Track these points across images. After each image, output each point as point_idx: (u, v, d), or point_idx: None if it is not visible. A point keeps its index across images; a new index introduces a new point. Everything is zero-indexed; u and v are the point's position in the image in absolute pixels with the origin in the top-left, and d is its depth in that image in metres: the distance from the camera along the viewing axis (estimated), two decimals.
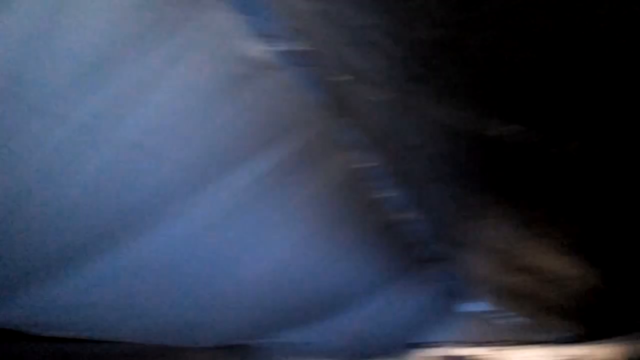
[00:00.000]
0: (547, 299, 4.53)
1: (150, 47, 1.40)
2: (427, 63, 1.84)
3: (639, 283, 3.33)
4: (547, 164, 2.28)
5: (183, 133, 1.72)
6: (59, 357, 3.18)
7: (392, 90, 2.12)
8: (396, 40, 1.66)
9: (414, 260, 3.83)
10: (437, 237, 3.92)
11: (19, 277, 2.12)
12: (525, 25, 1.39)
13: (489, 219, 3.30)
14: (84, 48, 1.24)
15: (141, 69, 1.46)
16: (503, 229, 3.36)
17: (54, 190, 1.67)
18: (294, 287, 3.46)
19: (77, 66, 1.28)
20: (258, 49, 1.60)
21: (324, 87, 1.95)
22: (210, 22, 1.48)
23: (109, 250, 2.19)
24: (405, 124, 2.43)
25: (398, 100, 2.21)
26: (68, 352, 3.24)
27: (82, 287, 2.41)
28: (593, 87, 1.62)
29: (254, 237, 2.65)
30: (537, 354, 5.78)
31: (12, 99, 1.29)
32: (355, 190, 2.72)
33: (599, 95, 1.66)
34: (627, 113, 1.70)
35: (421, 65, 1.87)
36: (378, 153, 2.57)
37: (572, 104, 1.76)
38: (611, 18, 1.24)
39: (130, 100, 1.53)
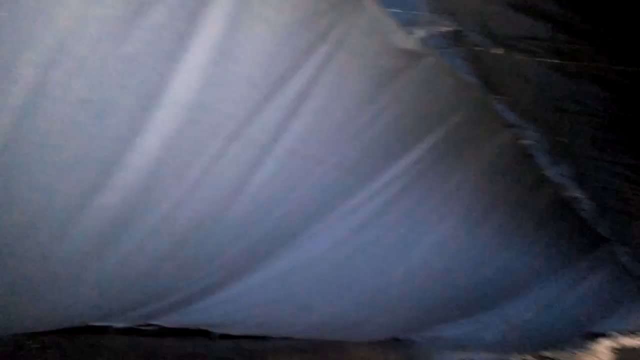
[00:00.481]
0: None
1: (306, 56, 1.43)
2: (597, 18, 1.61)
3: None
4: None
5: (340, 135, 1.74)
6: (237, 352, 3.49)
7: (551, 56, 1.90)
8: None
9: (584, 242, 3.44)
10: (607, 214, 3.48)
11: (203, 286, 2.36)
12: None
13: None
14: (254, 69, 1.31)
15: (298, 79, 1.49)
16: None
17: (229, 204, 1.80)
18: (453, 278, 3.34)
19: (248, 87, 1.35)
20: (406, 39, 1.55)
21: (475, 66, 1.82)
22: (357, 19, 1.47)
23: (276, 254, 2.32)
24: (567, 90, 2.18)
25: (558, 67, 1.98)
26: (245, 347, 3.54)
27: (254, 288, 2.60)
28: None
29: (407, 229, 2.61)
30: None
31: (194, 125, 1.40)
32: (514, 171, 2.52)
33: None
34: None
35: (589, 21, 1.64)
36: (537, 129, 2.35)
37: None
38: None
39: (290, 111, 1.57)
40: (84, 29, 1.03)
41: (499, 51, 1.95)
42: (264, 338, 3.63)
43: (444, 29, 1.74)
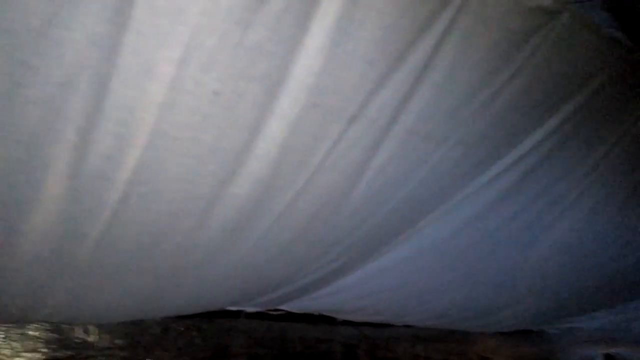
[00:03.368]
0: None
1: (426, 26, 1.35)
2: None
3: None
4: None
5: (463, 111, 1.63)
6: (360, 339, 3.51)
7: None
8: None
9: None
10: None
11: (325, 272, 2.39)
12: None
13: None
14: (372, 47, 1.27)
15: (417, 52, 1.42)
16: None
17: (351, 188, 1.78)
18: (595, 263, 3.00)
19: (366, 66, 1.31)
20: None
21: (622, 18, 1.59)
22: None
23: (397, 239, 2.27)
24: None
25: None
26: (367, 334, 3.55)
27: (375, 275, 2.58)
28: None
29: (540, 210, 2.38)
30: None
31: (315, 109, 1.39)
32: None
33: None
34: None
35: None
36: None
37: None
38: None
39: (409, 88, 1.51)
40: (213, 22, 1.07)
41: None
42: (385, 325, 3.61)
43: None
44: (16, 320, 1.92)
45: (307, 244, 2.01)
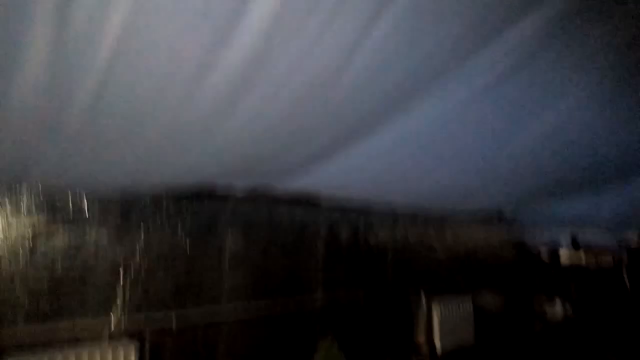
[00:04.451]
0: None
1: None
2: None
3: None
4: None
5: None
6: (344, 221, 3.69)
7: None
8: None
9: None
10: None
11: (316, 150, 2.43)
12: None
13: None
14: None
15: None
16: None
17: (347, 61, 1.73)
18: (574, 152, 3.10)
19: None
20: None
21: None
22: None
23: (392, 119, 2.27)
24: None
25: None
26: (351, 217, 3.73)
27: (365, 155, 2.63)
28: None
29: (532, 97, 2.39)
30: None
31: None
32: None
33: None
34: None
35: None
36: None
37: None
38: None
39: None
40: None
41: None
42: (368, 211, 3.78)
43: None
44: (9, 177, 1.94)
45: (299, 122, 2.00)
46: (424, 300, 4.14)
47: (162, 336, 2.55)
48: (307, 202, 3.38)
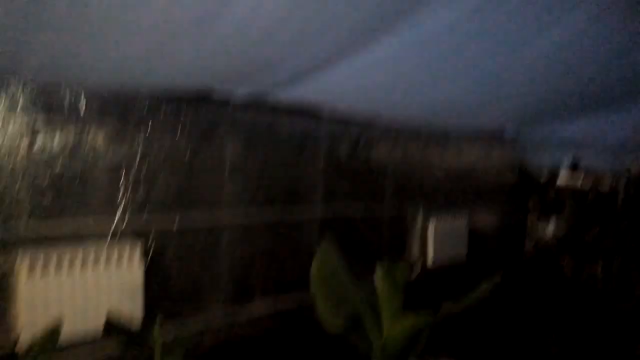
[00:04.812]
0: None
1: None
2: None
3: None
4: None
5: None
6: (346, 134, 3.68)
7: None
8: None
9: None
10: None
11: (315, 58, 2.36)
12: None
13: None
14: None
15: None
16: None
17: None
18: (580, 73, 3.01)
19: None
20: None
21: None
22: None
23: (393, 28, 2.18)
24: None
25: None
26: (353, 132, 3.71)
27: (366, 67, 2.56)
28: None
29: (539, 11, 2.27)
30: None
31: None
32: None
33: None
34: None
35: None
36: None
37: None
38: None
39: None
40: None
41: None
42: (370, 125, 3.76)
43: None
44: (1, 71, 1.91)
45: (292, 32, 1.93)
46: (420, 216, 4.25)
47: (165, 237, 2.65)
48: (308, 113, 3.35)
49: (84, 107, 2.30)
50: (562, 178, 5.18)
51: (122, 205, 2.47)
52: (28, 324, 2.11)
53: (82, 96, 2.26)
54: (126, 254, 2.41)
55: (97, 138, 2.38)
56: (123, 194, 2.48)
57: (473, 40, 2.41)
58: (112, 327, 1.68)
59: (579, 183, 5.11)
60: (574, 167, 5.41)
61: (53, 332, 1.23)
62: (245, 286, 3.09)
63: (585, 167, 5.36)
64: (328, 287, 1.66)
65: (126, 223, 2.49)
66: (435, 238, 4.23)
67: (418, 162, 4.29)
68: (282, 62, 2.27)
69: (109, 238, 2.44)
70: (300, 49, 2.19)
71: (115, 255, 2.37)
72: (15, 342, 2.06)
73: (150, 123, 2.55)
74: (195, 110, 2.75)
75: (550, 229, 4.54)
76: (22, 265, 2.11)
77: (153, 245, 2.60)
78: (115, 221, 2.46)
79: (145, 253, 2.55)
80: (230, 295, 3.00)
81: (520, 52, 2.67)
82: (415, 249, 4.29)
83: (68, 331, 2.20)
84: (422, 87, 2.94)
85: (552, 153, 5.31)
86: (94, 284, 2.30)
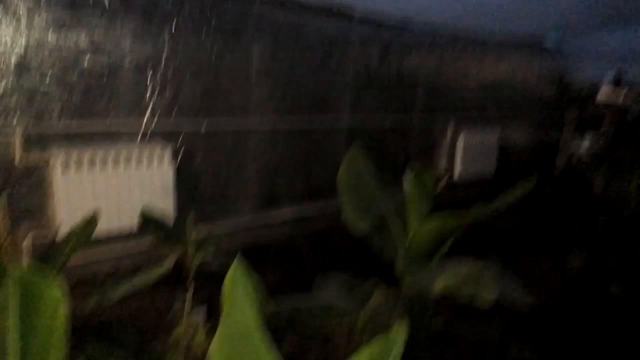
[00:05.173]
0: None
1: None
2: None
3: None
4: None
5: None
6: (376, 39, 3.49)
7: None
8: None
9: None
10: None
11: None
12: None
13: None
14: None
15: None
16: None
17: None
18: None
19: None
20: None
21: None
22: None
23: None
24: None
25: None
26: (384, 36, 3.51)
27: None
28: None
29: None
30: None
31: None
32: None
33: None
34: None
35: None
36: None
37: None
38: None
39: None
40: None
41: None
42: (404, 29, 3.53)
43: None
44: None
45: None
46: (450, 129, 4.14)
47: (194, 140, 2.67)
48: (339, 13, 3.14)
49: (108, 1, 2.22)
50: (603, 93, 4.91)
51: (150, 106, 2.47)
52: (66, 218, 2.21)
53: None
54: (156, 155, 2.44)
55: (123, 34, 2.31)
56: (151, 95, 2.46)
57: None
58: (147, 223, 1.74)
59: (620, 99, 4.84)
60: (617, 82, 5.09)
61: (90, 222, 1.28)
62: (273, 192, 3.15)
63: (628, 82, 5.04)
64: (355, 190, 1.66)
65: (155, 124, 2.49)
66: (465, 152, 4.16)
67: (452, 71, 4.10)
68: None
69: (139, 138, 2.46)
70: None
71: (146, 156, 2.41)
72: (55, 235, 2.18)
73: (175, 20, 2.45)
74: (221, 7, 2.62)
75: (585, 145, 4.39)
76: (57, 161, 2.17)
77: (183, 148, 2.63)
78: (145, 122, 2.47)
79: (174, 155, 2.58)
80: (258, 200, 3.07)
81: None
82: (442, 162, 4.24)
83: (104, 227, 2.31)
84: None
85: (595, 66, 4.98)
86: (126, 183, 2.37)
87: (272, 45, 2.90)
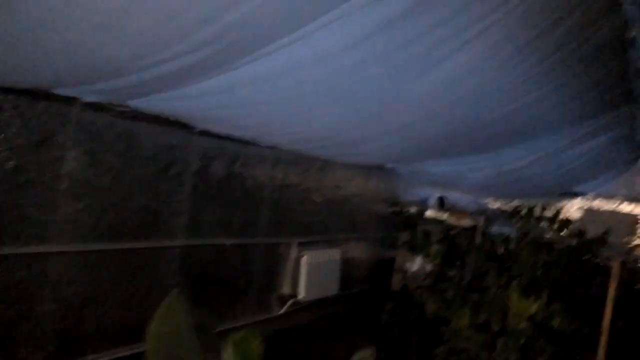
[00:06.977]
0: None
1: None
2: None
3: None
4: None
5: None
6: (220, 151, 3.32)
7: None
8: None
9: (614, 96, 3.12)
10: None
11: (176, 68, 1.99)
12: None
13: None
14: None
15: None
16: None
17: None
18: (458, 115, 3.04)
19: None
20: None
21: None
22: None
23: (277, 43, 1.92)
24: None
25: None
26: (228, 148, 3.36)
27: (244, 83, 2.26)
28: None
29: (427, 47, 2.19)
30: None
31: None
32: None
33: None
34: None
35: None
36: None
37: None
38: None
39: None
40: None
41: None
42: (249, 143, 3.42)
43: None
44: None
45: (152, 22, 1.56)
46: (295, 250, 4.01)
47: None
48: (176, 122, 2.87)
49: None
50: (430, 215, 5.39)
51: None
52: None
53: None
54: None
55: None
56: None
57: (363, 66, 2.25)
58: None
59: (445, 220, 5.34)
60: (441, 204, 5.68)
61: None
62: (76, 337, 2.51)
63: (450, 205, 5.65)
64: (167, 351, 1.30)
65: None
66: (309, 272, 4.02)
67: (296, 190, 4.06)
68: (135, 64, 1.86)
69: None
70: (160, 47, 1.80)
71: None
72: None
73: None
74: (29, 106, 2.18)
75: (416, 265, 4.64)
76: None
77: None
78: None
79: None
80: (54, 349, 2.41)
81: (412, 83, 2.55)
82: (287, 283, 4.03)
83: None
84: (303, 113, 2.73)
85: (424, 188, 5.51)
86: None
87: (93, 153, 2.49)
